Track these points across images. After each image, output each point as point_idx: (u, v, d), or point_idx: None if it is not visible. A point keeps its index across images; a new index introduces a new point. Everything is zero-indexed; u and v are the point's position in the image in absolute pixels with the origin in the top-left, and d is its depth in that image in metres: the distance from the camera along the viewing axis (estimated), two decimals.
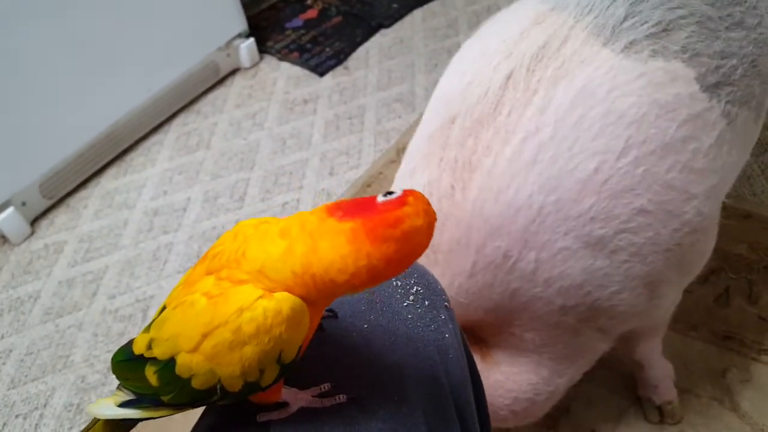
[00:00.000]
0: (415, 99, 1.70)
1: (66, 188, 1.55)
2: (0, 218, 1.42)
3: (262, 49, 1.94)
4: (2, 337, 1.28)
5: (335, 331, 0.48)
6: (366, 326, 0.49)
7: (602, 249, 0.66)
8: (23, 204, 1.46)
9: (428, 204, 0.37)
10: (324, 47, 1.94)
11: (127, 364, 0.40)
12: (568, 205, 0.64)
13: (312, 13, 2.10)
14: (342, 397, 0.43)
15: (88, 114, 1.53)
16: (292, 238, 0.37)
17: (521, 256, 0.66)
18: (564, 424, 1.03)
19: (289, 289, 0.36)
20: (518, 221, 0.64)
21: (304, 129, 1.67)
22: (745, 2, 0.75)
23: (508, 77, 0.68)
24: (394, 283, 0.52)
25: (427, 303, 0.51)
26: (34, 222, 1.51)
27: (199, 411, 0.45)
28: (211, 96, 1.81)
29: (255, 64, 1.91)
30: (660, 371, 1.01)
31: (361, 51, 1.92)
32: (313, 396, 0.43)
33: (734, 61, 0.71)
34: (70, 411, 1.14)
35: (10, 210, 1.43)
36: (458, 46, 0.82)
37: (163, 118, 1.72)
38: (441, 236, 0.67)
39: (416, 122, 0.84)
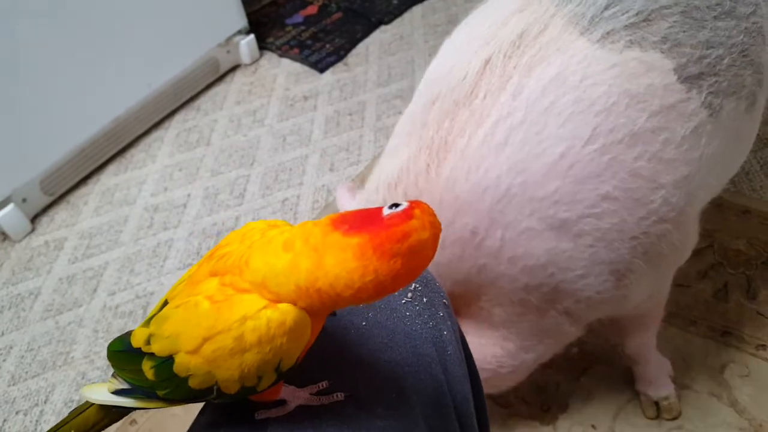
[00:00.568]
0: None
1: (66, 185, 1.55)
2: (0, 215, 1.42)
3: (262, 45, 1.94)
4: (2, 333, 1.28)
5: (333, 329, 0.48)
6: (364, 323, 0.49)
7: (566, 232, 0.68)
8: (24, 201, 1.46)
9: (434, 215, 0.36)
10: (324, 43, 1.94)
11: (124, 355, 0.40)
12: (533, 187, 0.66)
13: (312, 10, 2.10)
14: (340, 395, 0.43)
15: (89, 110, 1.53)
16: (296, 252, 0.36)
17: (488, 234, 0.68)
18: (563, 419, 1.04)
19: (292, 302, 0.37)
20: (486, 200, 0.67)
21: (304, 125, 1.67)
22: None
23: (487, 62, 0.70)
24: None
25: (425, 300, 0.51)
26: (34, 219, 1.51)
27: (197, 407, 0.45)
28: (211, 92, 1.81)
29: (255, 61, 1.91)
30: (655, 367, 1.02)
31: (361, 47, 1.92)
32: (311, 394, 0.43)
33: (721, 51, 0.72)
34: (70, 407, 1.14)
35: (10, 207, 1.43)
36: None
37: (163, 115, 1.72)
38: None
39: None
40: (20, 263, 1.42)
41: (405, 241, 0.34)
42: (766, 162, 1.38)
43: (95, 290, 1.34)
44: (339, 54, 1.89)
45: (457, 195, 0.68)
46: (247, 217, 1.45)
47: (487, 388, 0.84)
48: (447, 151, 0.69)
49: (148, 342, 0.39)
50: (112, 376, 0.42)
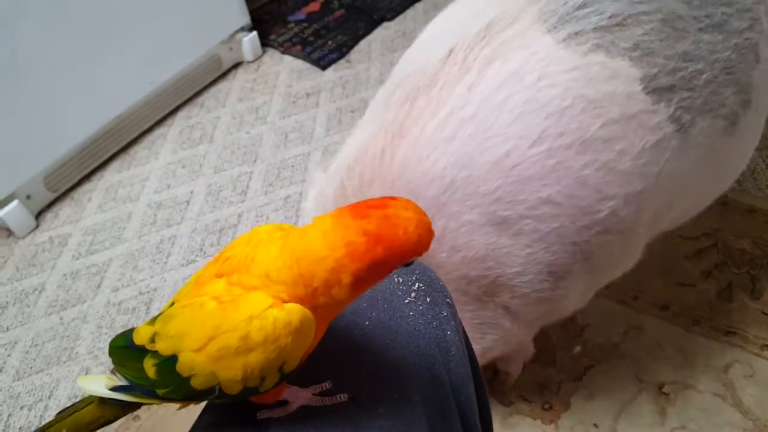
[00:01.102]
0: None
1: (70, 181, 1.56)
2: (5, 211, 1.42)
3: (265, 42, 1.93)
4: (7, 329, 1.29)
5: (337, 328, 0.48)
6: (367, 323, 0.49)
7: (506, 229, 0.67)
8: (28, 197, 1.47)
9: (422, 212, 0.37)
10: (326, 40, 1.94)
11: (126, 351, 0.40)
12: (476, 183, 0.65)
13: (314, 6, 2.09)
14: (343, 396, 0.43)
15: (92, 107, 1.53)
16: (290, 238, 0.38)
17: (432, 222, 0.68)
18: (564, 418, 1.04)
19: (291, 291, 0.37)
20: (431, 190, 0.67)
21: (306, 122, 1.67)
22: (735, 3, 0.72)
23: (450, 51, 0.69)
24: (396, 279, 0.53)
25: (428, 300, 0.51)
26: (38, 215, 1.51)
27: (199, 407, 0.45)
28: (214, 89, 1.81)
29: (258, 58, 1.90)
30: (519, 353, 1.03)
31: (363, 44, 1.92)
32: (313, 394, 0.43)
33: (700, 66, 0.69)
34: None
35: (14, 203, 1.43)
36: None
37: (166, 112, 1.72)
38: (371, 192, 0.70)
39: None
40: (24, 259, 1.42)
41: (382, 208, 0.36)
42: None
43: (99, 286, 1.34)
44: (341, 51, 1.89)
45: (407, 181, 0.68)
46: (250, 213, 1.45)
47: None
48: (402, 137, 0.69)
49: (152, 340, 0.39)
50: (111, 372, 0.42)
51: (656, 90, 0.67)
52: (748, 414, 1.01)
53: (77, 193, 1.56)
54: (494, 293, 0.74)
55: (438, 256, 0.71)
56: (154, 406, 0.42)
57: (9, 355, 1.24)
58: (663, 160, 0.68)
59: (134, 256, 1.40)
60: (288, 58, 1.90)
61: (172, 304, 0.41)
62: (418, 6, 2.04)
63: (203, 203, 1.49)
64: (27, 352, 1.24)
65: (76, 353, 1.22)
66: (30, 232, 1.48)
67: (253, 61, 1.89)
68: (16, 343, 1.26)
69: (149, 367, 0.39)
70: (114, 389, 0.41)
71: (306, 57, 1.88)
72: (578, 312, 1.16)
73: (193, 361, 0.37)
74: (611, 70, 0.65)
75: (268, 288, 0.37)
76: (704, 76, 0.69)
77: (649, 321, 1.14)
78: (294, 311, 0.37)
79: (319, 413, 0.43)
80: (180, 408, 0.42)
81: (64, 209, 1.53)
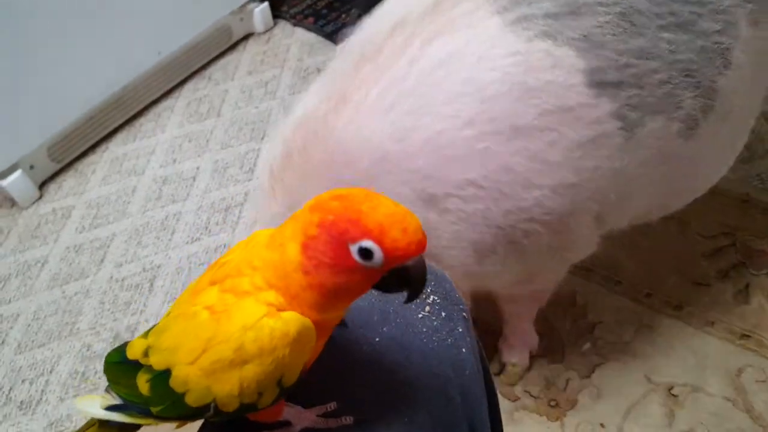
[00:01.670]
0: None
1: (74, 152, 1.53)
2: (8, 181, 1.40)
3: (276, 13, 1.88)
4: (9, 301, 1.27)
5: (344, 343, 0.45)
6: (378, 339, 0.46)
7: (434, 206, 0.68)
8: (31, 167, 1.44)
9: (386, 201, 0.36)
10: (340, 14, 1.88)
11: (120, 366, 0.39)
12: (408, 158, 0.66)
13: None
14: (348, 419, 0.41)
15: (98, 77, 1.49)
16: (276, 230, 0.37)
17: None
18: (571, 416, 1.02)
19: (285, 295, 0.35)
20: (365, 160, 0.67)
21: None
22: (708, 4, 0.68)
23: (399, 23, 0.69)
24: None
25: (443, 314, 0.48)
26: (42, 186, 1.49)
27: (196, 425, 0.43)
28: (222, 61, 1.76)
29: (268, 29, 1.85)
30: (519, 337, 1.04)
31: None
32: (317, 416, 0.41)
33: (655, 64, 0.66)
34: (75, 378, 1.14)
35: (18, 173, 1.41)
36: None
37: (173, 83, 1.68)
38: (312, 154, 0.71)
39: None
40: (28, 230, 1.41)
41: (343, 196, 0.35)
42: None
43: (102, 261, 1.32)
44: (355, 25, 1.83)
45: (344, 149, 0.68)
46: (257, 193, 1.42)
47: None
48: (344, 103, 0.69)
49: (145, 354, 0.37)
50: (106, 390, 0.40)
51: (600, 84, 0.65)
52: (759, 420, 0.98)
53: (81, 165, 1.53)
54: None
55: None
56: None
57: (11, 328, 1.23)
58: (603, 156, 0.67)
59: (138, 231, 1.37)
60: (300, 31, 1.85)
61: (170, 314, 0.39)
62: None
63: (209, 180, 1.46)
64: (29, 326, 1.23)
65: (78, 329, 1.21)
66: (33, 203, 1.46)
67: (263, 33, 1.84)
68: (18, 315, 1.25)
69: (142, 383, 0.37)
70: (109, 408, 0.39)
71: (318, 30, 1.83)
72: (590, 308, 1.14)
73: (186, 376, 0.35)
74: (554, 58, 0.64)
75: (261, 293, 0.35)
76: (658, 76, 0.67)
77: (662, 320, 1.11)
78: (291, 320, 0.35)
79: None
80: (177, 427, 0.40)
81: (68, 180, 1.50)
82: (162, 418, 0.38)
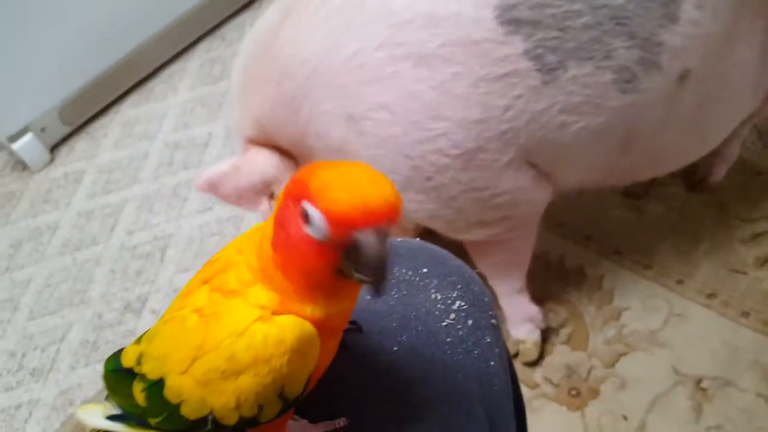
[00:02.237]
0: None
1: (86, 115, 1.49)
2: (19, 144, 1.37)
3: None
4: (22, 267, 1.26)
5: (359, 351, 0.41)
6: (396, 348, 0.41)
7: (354, 126, 0.70)
8: (43, 130, 1.41)
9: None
10: None
11: (116, 374, 0.36)
12: (333, 74, 0.68)
13: None
14: None
15: (109, 38, 1.44)
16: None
17: (301, 105, 0.72)
18: (592, 406, 0.98)
19: (278, 292, 0.31)
20: (300, 73, 0.70)
21: None
22: None
23: None
24: (433, 296, 0.45)
25: (470, 323, 0.43)
26: (53, 149, 1.46)
27: None
28: (237, 21, 1.69)
29: None
30: (516, 311, 1.00)
31: None
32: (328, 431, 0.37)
33: (577, 7, 0.64)
34: (86, 347, 1.13)
35: (29, 136, 1.38)
36: None
37: (186, 44, 1.62)
38: (262, 65, 0.75)
39: None
40: (39, 195, 1.38)
41: (320, 163, 0.31)
42: None
43: (113, 228, 1.30)
44: None
45: (284, 62, 0.72)
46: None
47: None
48: (287, 17, 0.72)
49: (138, 361, 0.34)
50: (106, 398, 0.37)
51: (512, 21, 0.64)
52: None
53: (93, 128, 1.49)
54: None
55: (308, 140, 0.75)
56: None
57: (23, 294, 1.22)
58: (513, 95, 0.66)
59: (150, 198, 1.34)
60: None
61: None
62: None
63: (222, 147, 1.41)
64: (40, 292, 1.21)
65: (89, 297, 1.19)
66: (45, 167, 1.43)
67: None
68: (30, 281, 1.23)
69: (138, 392, 0.34)
70: (110, 418, 0.36)
71: None
72: (617, 293, 1.08)
73: (180, 386, 0.32)
74: None
75: (249, 292, 0.31)
76: (582, 20, 0.65)
77: (694, 308, 1.05)
78: (287, 326, 0.30)
79: None
80: None
81: (80, 144, 1.47)
82: (162, 430, 0.34)
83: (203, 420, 0.32)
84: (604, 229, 1.15)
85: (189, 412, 0.32)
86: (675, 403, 0.97)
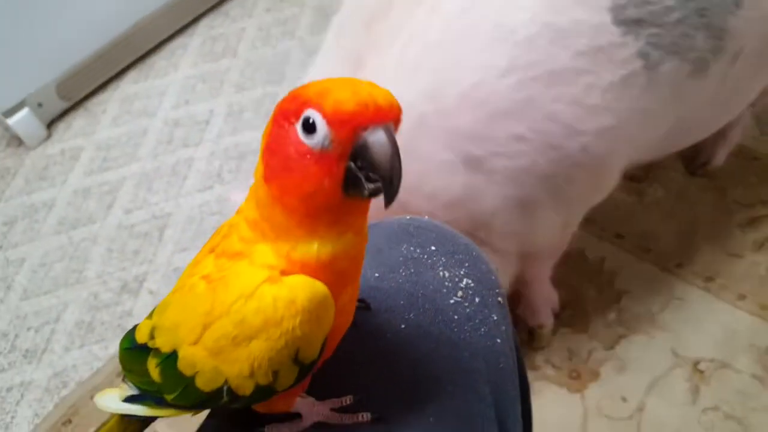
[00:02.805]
0: None
1: (84, 90, 1.47)
2: (15, 119, 1.35)
3: None
4: (16, 245, 1.24)
5: (366, 329, 0.40)
6: (403, 326, 0.41)
7: (479, 168, 0.64)
8: (39, 105, 1.39)
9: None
10: None
11: (131, 353, 0.35)
12: (446, 117, 0.61)
13: None
14: (366, 416, 0.36)
15: (109, 11, 1.42)
16: None
17: (405, 167, 0.63)
18: (592, 388, 0.98)
19: (255, 219, 0.31)
20: (401, 127, 0.60)
21: None
22: None
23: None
24: (441, 274, 0.44)
25: (477, 300, 0.43)
26: (50, 125, 1.44)
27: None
28: None
29: None
30: (540, 297, 1.00)
31: None
32: (331, 409, 0.36)
33: (671, 2, 0.63)
34: (81, 329, 1.11)
35: (25, 111, 1.36)
36: None
37: (188, 19, 1.60)
38: None
39: None
40: (35, 171, 1.36)
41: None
42: None
43: (110, 207, 1.28)
44: None
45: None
46: None
47: None
48: (361, 67, 0.63)
49: (151, 336, 0.33)
50: (122, 380, 0.37)
51: (625, 21, 0.62)
52: None
53: (91, 104, 1.47)
54: (472, 231, 0.70)
55: (415, 204, 0.65)
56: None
57: (17, 273, 1.20)
58: (632, 96, 0.65)
59: (148, 176, 1.33)
60: None
61: None
62: None
63: (223, 124, 1.40)
64: (35, 272, 1.20)
65: (85, 276, 1.18)
66: (41, 143, 1.41)
67: None
68: (24, 260, 1.22)
69: (153, 368, 0.33)
70: (126, 400, 0.36)
71: None
72: (618, 276, 1.08)
73: (193, 356, 0.31)
74: None
75: (255, 251, 0.30)
76: (675, 15, 0.64)
77: (693, 292, 1.06)
78: (297, 285, 0.29)
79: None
80: (194, 415, 0.36)
81: (77, 120, 1.45)
82: (178, 406, 0.34)
83: (218, 391, 0.31)
84: (605, 212, 1.15)
85: (204, 383, 0.31)
86: (673, 385, 0.97)
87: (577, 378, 0.99)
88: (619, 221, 1.14)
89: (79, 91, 1.46)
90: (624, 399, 0.97)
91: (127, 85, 1.50)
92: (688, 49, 0.66)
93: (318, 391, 0.37)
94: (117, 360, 0.44)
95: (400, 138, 0.60)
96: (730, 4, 0.67)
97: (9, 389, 1.05)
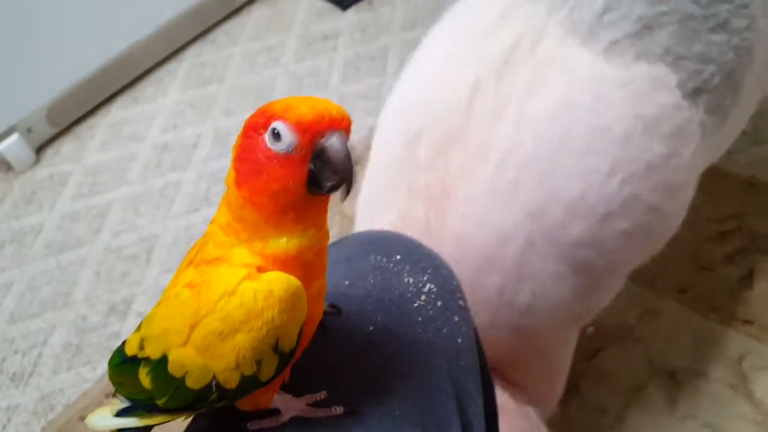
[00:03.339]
0: None
1: (73, 116, 1.50)
2: (4, 145, 1.37)
3: None
4: (3, 269, 1.26)
5: (338, 332, 0.43)
6: (371, 328, 0.44)
7: (590, 272, 0.63)
8: (29, 130, 1.41)
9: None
10: None
11: (122, 367, 0.38)
12: (556, 232, 0.59)
13: None
14: (338, 409, 0.39)
15: (99, 39, 1.46)
16: None
17: (518, 289, 0.61)
18: (570, 400, 1.00)
19: (227, 222, 0.34)
20: (509, 252, 0.59)
21: (322, 68, 1.58)
22: (734, 0, 0.66)
23: (476, 85, 0.60)
24: (406, 280, 0.48)
25: (439, 304, 0.46)
26: (39, 150, 1.46)
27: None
28: (227, 26, 1.72)
29: None
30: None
31: None
32: (307, 404, 0.39)
33: (713, 68, 0.64)
34: (68, 351, 1.12)
35: (15, 136, 1.38)
36: None
37: (176, 47, 1.64)
38: None
39: None
40: (23, 196, 1.38)
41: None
42: None
43: (99, 231, 1.30)
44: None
45: (470, 247, 0.60)
46: None
47: None
48: (447, 197, 0.60)
49: (141, 347, 0.36)
50: (113, 395, 0.39)
51: (688, 95, 0.62)
52: (759, 407, 0.97)
53: (80, 129, 1.50)
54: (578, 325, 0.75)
55: (532, 324, 0.65)
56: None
57: (5, 297, 1.21)
58: (698, 166, 0.66)
59: (136, 200, 1.35)
60: None
61: None
62: None
63: (210, 148, 1.43)
64: (23, 295, 1.21)
65: (73, 299, 1.20)
66: (30, 168, 1.43)
67: None
68: (12, 284, 1.23)
69: (144, 376, 0.36)
70: (118, 414, 0.38)
71: None
72: None
73: (182, 357, 0.34)
74: (656, 80, 0.60)
75: (232, 254, 0.34)
76: (717, 79, 0.64)
77: (668, 304, 1.09)
78: (273, 279, 0.33)
79: (311, 426, 0.39)
80: (185, 419, 0.39)
81: (66, 145, 1.47)
82: (170, 410, 0.36)
83: (208, 387, 0.34)
84: None
85: (193, 382, 0.34)
86: (650, 395, 1.00)
87: None
88: None
89: (69, 116, 1.49)
90: (603, 410, 0.99)
91: (117, 111, 1.54)
92: (719, 108, 0.67)
93: (295, 390, 0.39)
94: (104, 382, 0.45)
95: (511, 261, 0.60)
96: (746, 62, 0.68)
97: None
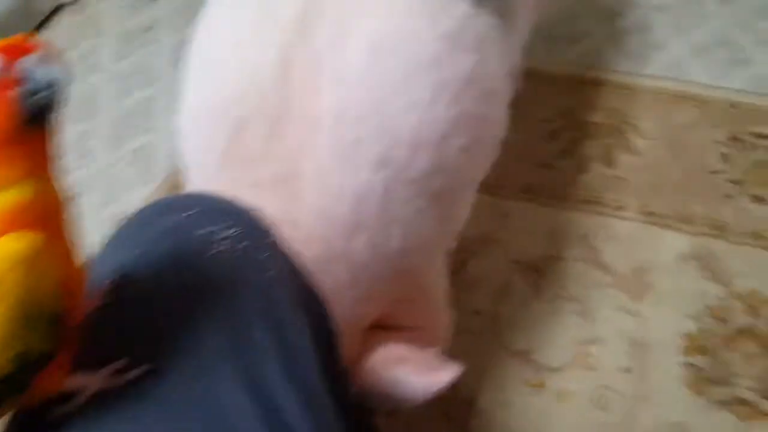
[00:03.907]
0: None
1: None
2: None
3: None
4: None
5: (133, 301, 0.44)
6: (170, 286, 0.44)
7: (445, 195, 0.66)
8: None
9: None
10: None
11: None
12: (406, 171, 0.60)
13: None
14: (141, 370, 0.40)
15: None
16: None
17: (388, 237, 0.62)
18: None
19: None
20: (371, 207, 0.60)
21: (148, 61, 1.52)
22: None
23: (284, 59, 0.60)
24: (204, 230, 0.48)
25: (242, 245, 0.47)
26: None
27: None
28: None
29: None
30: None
31: None
32: (108, 375, 0.39)
33: None
34: None
35: None
36: None
37: None
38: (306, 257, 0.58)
39: None
40: None
41: None
42: (612, 35, 1.39)
43: None
44: None
45: (336, 219, 0.59)
46: (99, 177, 1.32)
47: None
48: (297, 179, 0.59)
49: None
50: None
51: (476, 1, 0.67)
52: (608, 271, 1.06)
53: None
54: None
55: (407, 265, 0.66)
56: None
57: None
58: (504, 68, 0.74)
59: None
60: None
61: None
62: None
63: None
64: None
65: None
66: None
67: (74, 2, 1.68)
68: None
69: None
70: None
71: None
72: None
73: None
74: None
75: None
76: None
77: (517, 204, 1.16)
78: (7, 241, 0.31)
79: (119, 395, 0.39)
80: None
81: None
82: None
83: None
84: None
85: None
86: (517, 289, 1.07)
87: None
88: None
89: None
90: (477, 312, 1.05)
91: None
92: (506, 9, 0.74)
93: (92, 365, 0.40)
94: None
95: (375, 215, 0.61)
96: None
97: None
